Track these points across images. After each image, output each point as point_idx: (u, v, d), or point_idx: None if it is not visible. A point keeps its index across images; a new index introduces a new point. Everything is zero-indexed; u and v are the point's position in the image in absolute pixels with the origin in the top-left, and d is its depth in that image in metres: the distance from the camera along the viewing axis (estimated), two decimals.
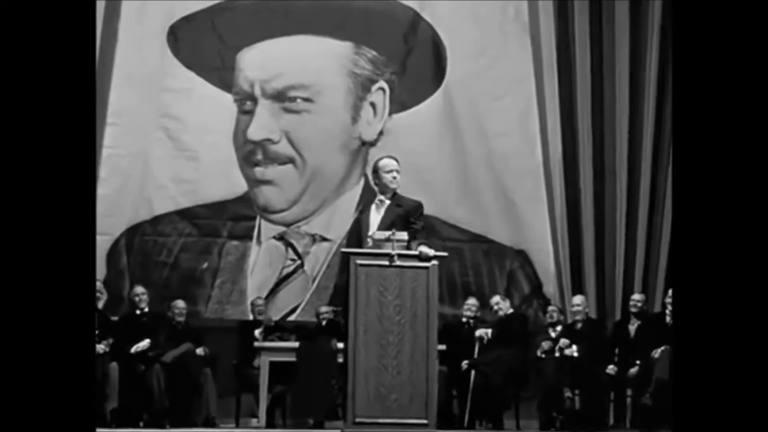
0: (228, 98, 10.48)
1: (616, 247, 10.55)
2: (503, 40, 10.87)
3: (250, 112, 10.47)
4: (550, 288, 10.60)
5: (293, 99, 10.50)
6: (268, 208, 10.47)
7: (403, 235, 5.77)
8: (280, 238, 10.44)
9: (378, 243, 5.76)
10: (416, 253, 5.73)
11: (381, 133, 10.66)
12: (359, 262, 5.68)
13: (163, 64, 10.42)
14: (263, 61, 10.57)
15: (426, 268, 5.72)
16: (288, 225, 10.48)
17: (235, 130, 10.47)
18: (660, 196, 10.54)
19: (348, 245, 6.07)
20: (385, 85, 10.71)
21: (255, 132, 10.43)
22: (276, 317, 9.80)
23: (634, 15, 10.72)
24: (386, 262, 5.68)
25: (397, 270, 5.69)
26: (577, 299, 9.36)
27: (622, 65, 10.70)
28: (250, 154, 10.44)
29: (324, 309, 9.50)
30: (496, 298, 9.14)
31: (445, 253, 5.90)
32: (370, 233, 5.83)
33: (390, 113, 10.68)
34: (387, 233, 5.77)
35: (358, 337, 5.65)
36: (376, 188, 6.19)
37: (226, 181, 10.41)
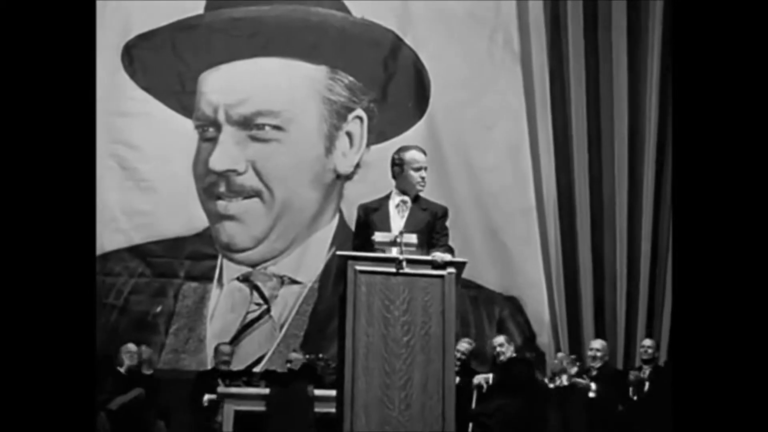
0: (188, 124, 9.58)
1: (616, 293, 9.62)
2: (492, 68, 10.08)
3: (213, 140, 9.57)
4: (544, 338, 9.60)
5: (261, 126, 9.61)
6: (231, 246, 9.49)
7: (413, 238, 4.67)
8: (245, 279, 9.47)
9: (381, 246, 4.65)
10: (429, 258, 4.63)
11: (358, 165, 9.73)
12: (359, 268, 4.55)
13: (116, 85, 9.49)
14: (228, 84, 9.69)
15: (441, 276, 4.61)
16: (253, 265, 9.50)
17: (196, 159, 9.55)
18: (663, 237, 9.62)
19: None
20: (363, 114, 9.84)
21: (218, 161, 9.51)
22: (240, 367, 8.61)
23: (632, 44, 9.97)
24: (393, 269, 4.56)
25: (405, 279, 4.57)
26: (597, 344, 8.35)
27: (620, 97, 9.92)
28: (212, 185, 9.51)
29: (294, 355, 8.46)
30: (499, 339, 8.07)
31: (464, 260, 4.79)
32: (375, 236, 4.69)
33: (368, 144, 9.80)
34: (392, 234, 4.67)
35: (357, 362, 4.48)
36: (394, 181, 5.01)
37: (184, 216, 9.43)
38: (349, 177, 9.71)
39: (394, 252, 4.61)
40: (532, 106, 9.90)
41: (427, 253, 4.68)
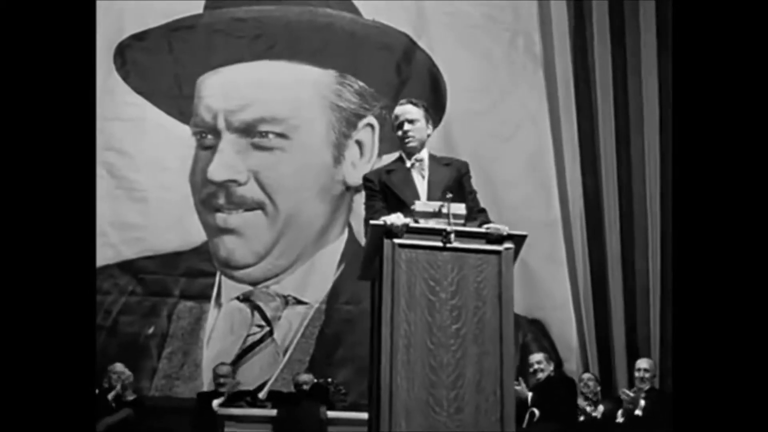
0: (185, 130, 8.90)
1: (650, 314, 8.91)
2: (511, 73, 9.51)
3: (212, 148, 8.89)
4: (572, 365, 8.87)
5: (264, 134, 8.95)
6: (231, 262, 8.76)
7: (461, 208, 3.91)
8: (245, 299, 8.73)
9: (422, 217, 3.87)
10: (483, 230, 3.86)
11: None
12: (399, 241, 3.77)
13: (107, 88, 8.82)
14: (229, 88, 9.03)
15: (497, 252, 3.84)
16: (255, 284, 8.77)
17: (193, 169, 8.87)
18: None
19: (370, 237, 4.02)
20: (375, 121, 9.17)
21: (217, 171, 8.82)
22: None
23: (661, 45, 9.34)
24: (439, 243, 3.78)
25: (454, 255, 3.79)
26: (644, 363, 7.63)
27: (650, 101, 9.29)
28: (211, 197, 8.80)
29: (304, 377, 7.63)
30: (537, 357, 7.29)
31: (524, 233, 4.02)
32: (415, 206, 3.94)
33: (379, 154, 9.09)
34: (436, 203, 3.90)
35: (395, 355, 3.68)
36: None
37: (179, 229, 8.71)
38: (359, 189, 8.88)
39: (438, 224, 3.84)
40: (555, 113, 9.29)
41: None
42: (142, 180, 8.72)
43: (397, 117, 4.28)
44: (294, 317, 8.71)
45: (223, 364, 8.01)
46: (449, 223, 3.81)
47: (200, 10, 9.07)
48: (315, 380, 7.63)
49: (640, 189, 9.17)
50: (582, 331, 8.87)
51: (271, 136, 8.92)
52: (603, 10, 9.38)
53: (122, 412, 6.67)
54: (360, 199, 8.89)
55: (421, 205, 3.92)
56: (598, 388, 7.75)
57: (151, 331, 8.49)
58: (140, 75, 8.91)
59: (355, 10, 9.30)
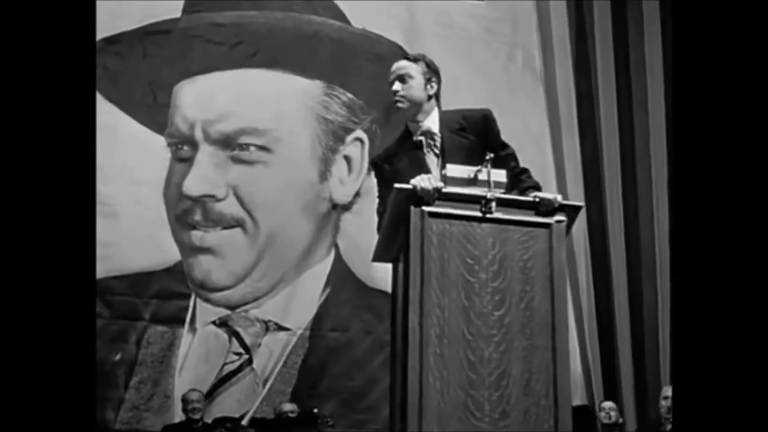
0: (160, 141, 8.26)
1: (659, 342, 8.44)
2: (510, 89, 9.04)
3: (188, 160, 8.25)
4: (576, 399, 8.15)
5: (244, 146, 8.33)
6: (207, 284, 8.10)
7: (502, 174, 3.28)
8: (222, 324, 8.06)
9: (456, 185, 3.23)
10: (530, 198, 3.23)
11: (357, 194, 8.49)
12: (430, 209, 3.13)
13: None
14: (207, 97, 8.40)
15: (547, 226, 3.20)
16: (233, 307, 8.11)
17: (168, 182, 8.23)
18: None
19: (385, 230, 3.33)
20: (364, 136, 8.58)
21: (193, 185, 8.18)
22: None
23: (668, 59, 8.98)
24: (477, 213, 3.14)
25: (495, 228, 3.16)
26: (671, 391, 7.02)
27: (656, 118, 8.89)
28: (186, 213, 8.15)
29: (288, 407, 6.92)
30: None
31: (581, 203, 3.40)
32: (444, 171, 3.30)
33: (369, 170, 8.36)
34: (472, 168, 3.27)
35: (426, 347, 3.01)
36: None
37: (152, 247, 8.05)
38: (347, 207, 8.45)
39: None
40: (557, 131, 8.85)
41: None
42: (112, 194, 8.03)
43: (390, 74, 3.73)
44: (275, 344, 8.06)
45: (193, 390, 7.35)
46: (489, 190, 3.17)
47: (178, 14, 8.48)
48: (303, 411, 6.99)
49: (647, 210, 8.75)
50: (586, 360, 8.43)
51: (252, 148, 8.32)
52: (606, 24, 9.00)
53: None
54: (348, 217, 8.36)
55: (454, 170, 3.28)
56: (621, 420, 7.14)
57: (117, 357, 7.77)
58: (112, 81, 8.24)
59: (343, 18, 8.78)
